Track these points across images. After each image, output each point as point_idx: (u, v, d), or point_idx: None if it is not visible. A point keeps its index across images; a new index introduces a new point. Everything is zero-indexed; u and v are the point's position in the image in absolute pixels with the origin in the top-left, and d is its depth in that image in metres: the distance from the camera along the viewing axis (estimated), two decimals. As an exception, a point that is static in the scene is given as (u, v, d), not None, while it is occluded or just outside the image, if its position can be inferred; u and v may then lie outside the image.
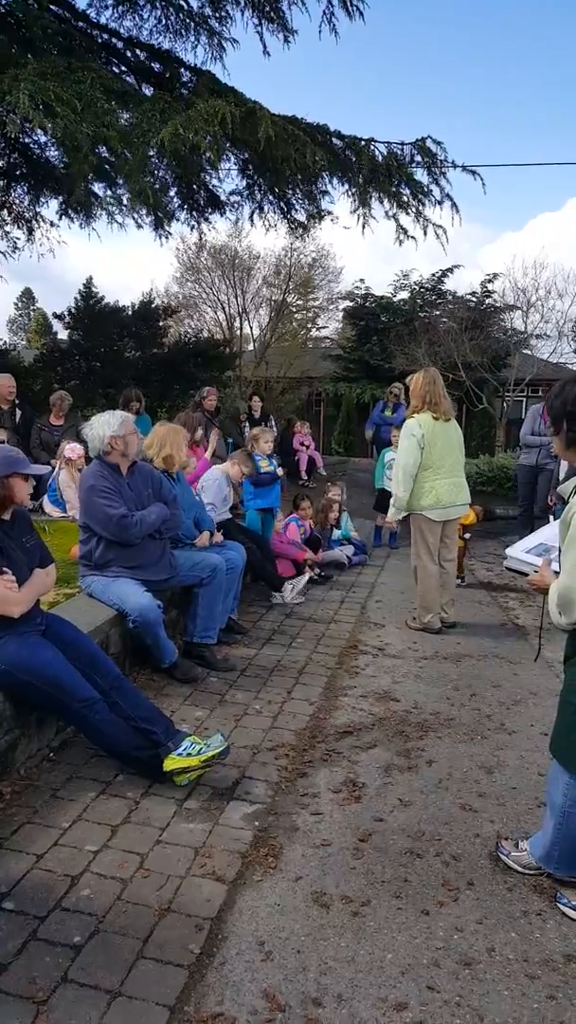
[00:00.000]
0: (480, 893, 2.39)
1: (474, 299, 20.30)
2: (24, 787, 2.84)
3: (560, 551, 2.23)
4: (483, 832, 2.74)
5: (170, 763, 2.86)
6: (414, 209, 9.64)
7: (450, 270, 22.15)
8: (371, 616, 5.65)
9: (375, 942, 2.14)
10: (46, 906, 2.18)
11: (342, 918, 2.23)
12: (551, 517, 7.45)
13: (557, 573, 2.29)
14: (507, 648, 4.96)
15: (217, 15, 9.14)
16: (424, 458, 5.08)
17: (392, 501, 5.27)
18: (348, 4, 9.22)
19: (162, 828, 2.64)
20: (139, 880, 2.34)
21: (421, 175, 9.61)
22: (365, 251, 65.31)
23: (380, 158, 9.40)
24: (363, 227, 9.59)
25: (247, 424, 10.09)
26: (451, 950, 2.12)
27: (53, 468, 6.93)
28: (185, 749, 2.89)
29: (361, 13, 9.27)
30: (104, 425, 3.94)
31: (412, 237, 9.85)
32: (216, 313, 22.37)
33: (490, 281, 20.24)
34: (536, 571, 2.45)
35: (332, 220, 10.32)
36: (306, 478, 10.92)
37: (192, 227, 11.54)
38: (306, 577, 6.06)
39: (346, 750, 3.35)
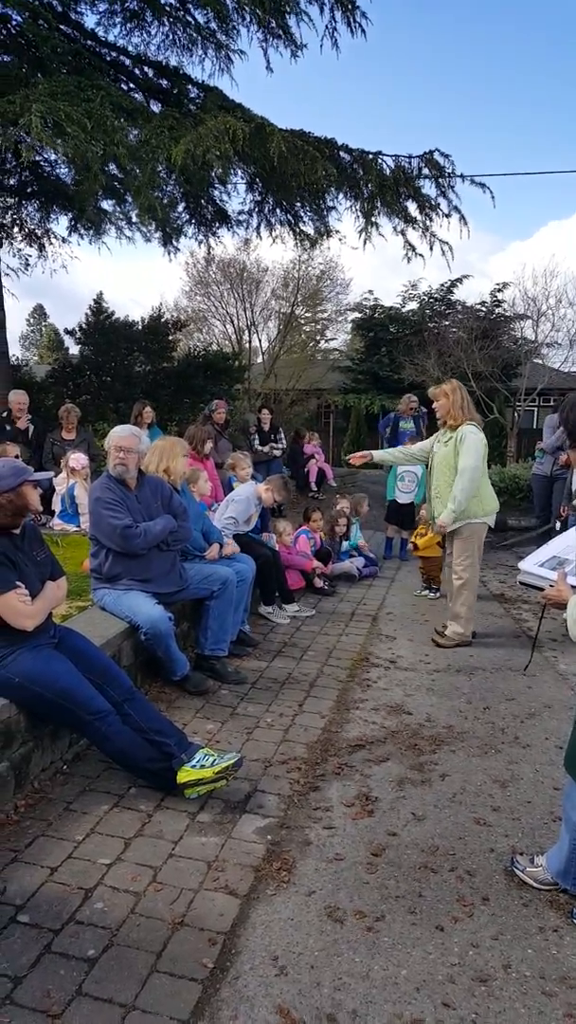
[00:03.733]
0: (495, 909, 2.36)
1: (484, 309, 20.35)
2: (38, 800, 2.85)
3: None
4: (498, 847, 2.71)
5: (183, 775, 2.86)
6: (421, 225, 9.71)
7: (459, 280, 22.27)
8: (382, 628, 5.64)
9: (389, 958, 2.12)
10: (60, 919, 2.18)
11: (356, 933, 2.22)
12: (558, 525, 7.45)
13: (574, 587, 2.27)
14: (521, 661, 4.93)
15: (224, 28, 9.26)
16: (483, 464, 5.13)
17: (452, 505, 5.03)
18: (351, 20, 9.33)
19: (175, 841, 2.64)
20: (152, 894, 2.34)
21: (429, 188, 9.69)
22: (373, 262, 65.68)
23: (388, 171, 9.48)
24: (363, 243, 9.68)
25: (256, 437, 10.12)
26: (466, 966, 2.10)
27: (55, 476, 7.05)
28: (198, 761, 2.89)
29: (363, 30, 9.39)
30: (112, 434, 4.05)
31: (420, 255, 9.96)
32: (225, 326, 22.54)
33: (500, 290, 20.32)
34: (551, 585, 2.42)
35: (340, 240, 10.39)
36: (316, 489, 10.94)
37: (200, 241, 11.68)
38: (296, 607, 5.98)
39: (358, 764, 3.34)
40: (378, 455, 5.90)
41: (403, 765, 3.34)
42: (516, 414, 18.28)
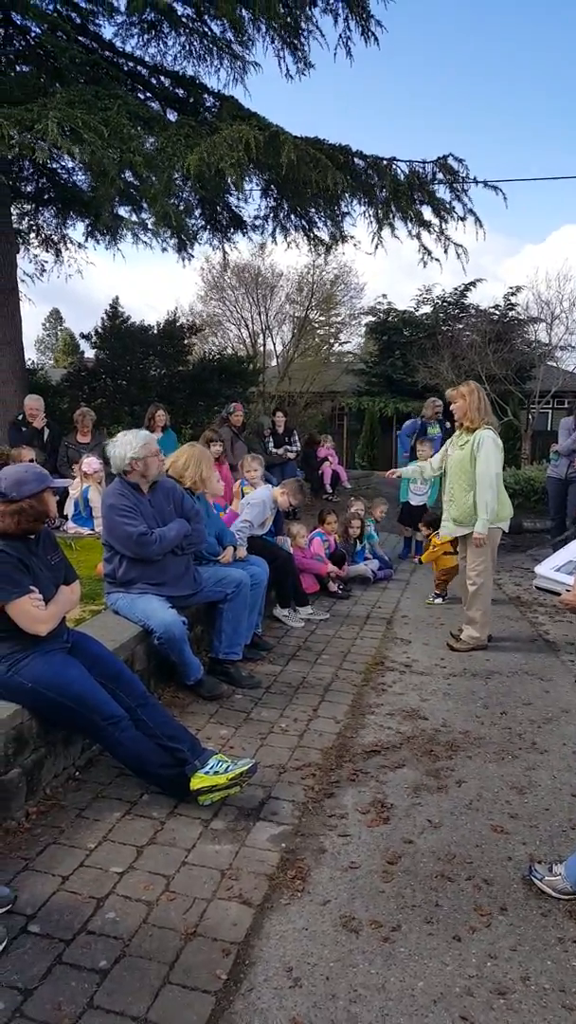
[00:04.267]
0: (513, 919, 2.32)
1: (497, 312, 20.25)
2: (50, 807, 2.83)
3: None
4: (515, 855, 2.67)
5: (197, 781, 2.84)
6: (436, 228, 9.71)
7: (473, 284, 22.18)
8: (397, 632, 5.59)
9: (406, 969, 2.09)
10: (72, 929, 2.16)
11: (372, 943, 2.18)
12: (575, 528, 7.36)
13: None
14: (537, 665, 4.87)
15: (239, 39, 9.31)
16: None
17: (484, 514, 4.98)
18: (365, 29, 9.36)
19: (188, 849, 2.62)
20: (165, 903, 2.31)
21: (443, 192, 9.68)
22: (387, 266, 65.63)
23: (402, 177, 9.48)
24: (376, 247, 9.69)
25: (271, 439, 10.12)
26: (484, 978, 2.06)
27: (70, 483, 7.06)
28: (212, 767, 2.87)
29: (377, 39, 9.42)
30: (125, 445, 3.95)
31: (436, 259, 9.95)
32: (240, 330, 22.57)
33: (513, 294, 20.22)
34: (568, 590, 2.39)
35: (355, 245, 10.42)
36: (330, 492, 10.91)
37: (215, 247, 11.71)
38: (310, 610, 5.95)
39: (374, 770, 3.30)
40: (407, 472, 6.11)
41: (419, 771, 3.29)
42: (530, 416, 18.15)
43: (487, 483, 4.93)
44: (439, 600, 6.50)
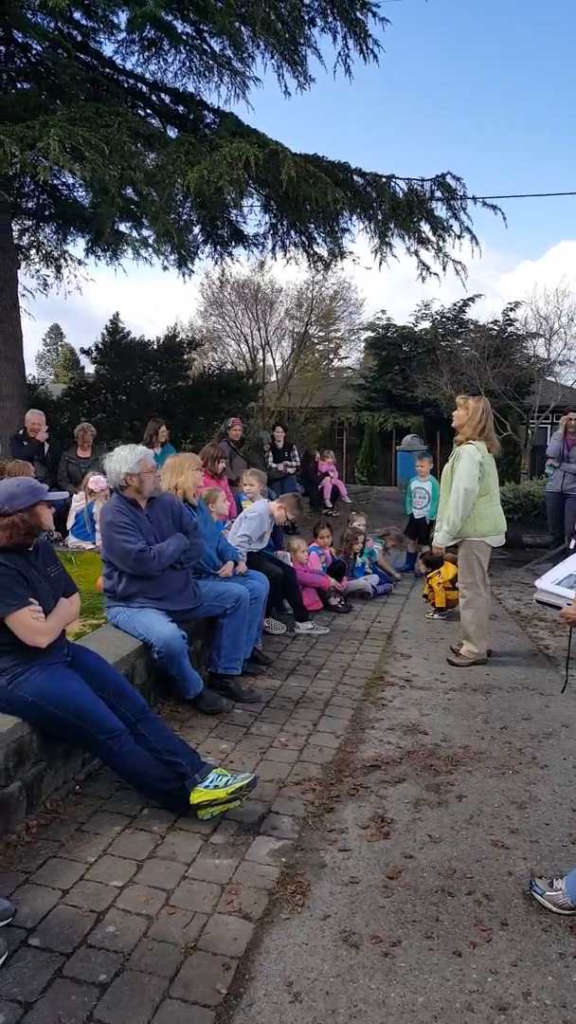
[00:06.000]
0: (514, 934, 2.31)
1: (496, 327, 20.38)
2: (50, 820, 2.83)
3: None
4: (516, 870, 2.66)
5: (197, 795, 2.83)
6: (434, 245, 9.81)
7: (471, 299, 22.33)
8: (397, 647, 5.59)
9: (406, 984, 2.08)
10: (72, 943, 2.15)
11: (372, 958, 2.18)
12: (572, 544, 7.38)
13: None
14: (538, 679, 4.87)
15: (239, 55, 9.45)
16: (482, 485, 5.07)
17: (445, 527, 5.08)
18: (364, 47, 9.50)
19: (188, 863, 2.61)
20: (165, 917, 2.31)
21: (441, 210, 9.78)
22: (386, 281, 66.06)
23: (401, 194, 9.58)
24: (379, 263, 9.78)
25: (270, 454, 10.15)
26: (485, 994, 2.05)
27: (71, 496, 7.07)
28: (212, 781, 2.86)
29: (376, 57, 9.56)
30: (121, 461, 3.96)
31: (434, 274, 10.04)
32: (239, 345, 22.67)
33: (512, 309, 20.34)
34: (569, 603, 2.41)
35: (354, 260, 10.51)
36: (330, 506, 10.94)
37: (216, 261, 11.81)
38: (310, 625, 5.94)
39: (374, 784, 3.29)
40: (454, 528, 5.18)
41: (419, 786, 3.29)
42: (529, 432, 18.23)
43: (454, 498, 5.01)
44: (439, 615, 6.50)
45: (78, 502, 7.17)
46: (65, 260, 12.29)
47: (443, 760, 3.57)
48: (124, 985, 2.00)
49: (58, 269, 12.31)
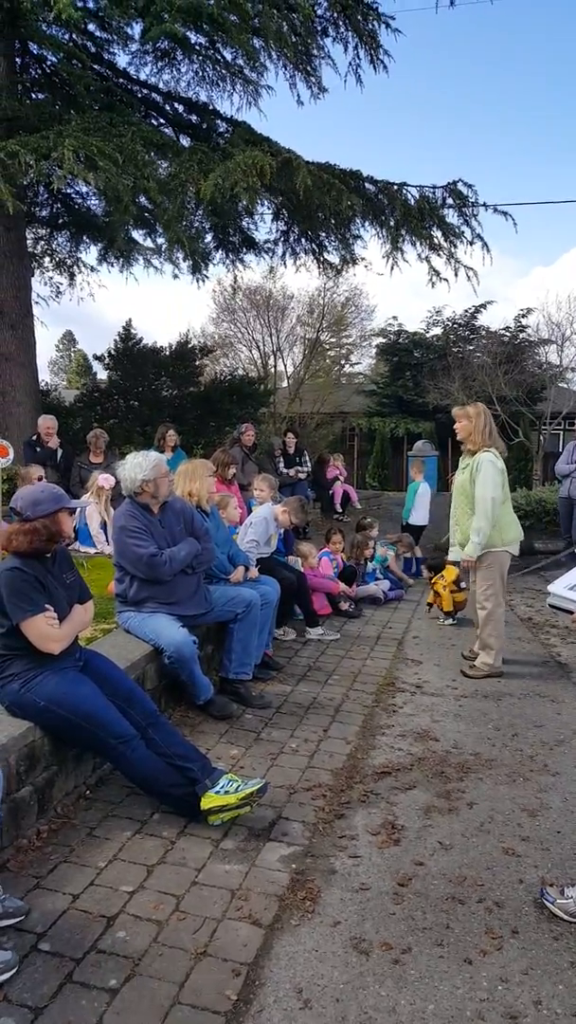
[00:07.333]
0: (525, 942, 2.30)
1: (508, 333, 20.34)
2: (61, 825, 2.84)
3: None
4: (527, 878, 2.65)
5: (207, 801, 2.84)
6: (446, 252, 9.84)
7: (483, 306, 22.32)
8: (408, 653, 5.58)
9: (416, 992, 2.07)
10: (82, 948, 2.16)
11: (382, 966, 2.17)
12: None
13: None
14: (549, 686, 4.84)
15: (251, 65, 9.52)
16: (502, 492, 5.01)
17: (476, 538, 4.92)
18: (374, 57, 9.57)
19: (198, 869, 2.61)
20: (175, 922, 2.31)
21: (453, 217, 9.81)
22: (398, 287, 66.07)
23: (412, 202, 9.62)
24: (391, 268, 9.82)
25: (281, 460, 10.17)
26: (496, 1002, 2.04)
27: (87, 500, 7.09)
28: (223, 787, 2.87)
29: (385, 67, 9.63)
30: (136, 467, 3.97)
31: (444, 279, 10.08)
32: (251, 352, 22.78)
33: (524, 316, 20.31)
34: (579, 609, 2.39)
35: (366, 266, 10.58)
36: (341, 512, 10.94)
37: (228, 267, 11.89)
38: (320, 630, 5.93)
39: (384, 791, 3.29)
40: (484, 538, 5.06)
41: (430, 793, 3.28)
42: (542, 438, 18.17)
43: (482, 508, 4.89)
44: (450, 621, 6.48)
45: (93, 511, 7.19)
46: (78, 267, 12.44)
47: (454, 767, 3.55)
48: (134, 991, 2.01)
49: (71, 276, 12.45)
